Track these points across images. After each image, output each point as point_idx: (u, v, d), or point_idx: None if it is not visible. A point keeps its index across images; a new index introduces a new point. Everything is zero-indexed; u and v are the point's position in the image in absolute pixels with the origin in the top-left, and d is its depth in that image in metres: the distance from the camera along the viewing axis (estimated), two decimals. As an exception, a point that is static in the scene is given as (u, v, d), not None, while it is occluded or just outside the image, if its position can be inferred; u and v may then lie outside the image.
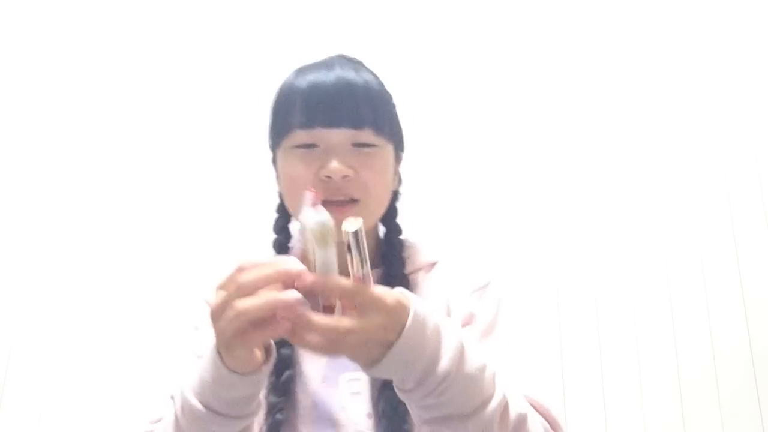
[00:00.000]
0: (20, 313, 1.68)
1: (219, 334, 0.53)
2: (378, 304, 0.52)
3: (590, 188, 1.79)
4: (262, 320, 0.51)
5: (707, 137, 1.80)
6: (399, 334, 0.53)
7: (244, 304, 0.50)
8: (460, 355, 0.56)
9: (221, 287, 0.53)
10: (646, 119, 1.83)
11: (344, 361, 0.75)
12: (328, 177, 0.74)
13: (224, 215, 1.75)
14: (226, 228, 1.73)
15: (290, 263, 0.52)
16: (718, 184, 1.76)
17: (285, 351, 0.77)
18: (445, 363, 0.55)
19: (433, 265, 0.87)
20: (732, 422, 1.58)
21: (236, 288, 0.51)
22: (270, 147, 0.84)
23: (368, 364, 0.54)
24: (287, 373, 0.77)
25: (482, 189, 1.79)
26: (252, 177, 1.77)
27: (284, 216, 0.87)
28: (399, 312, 0.53)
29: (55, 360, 1.65)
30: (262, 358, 0.58)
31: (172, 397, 0.65)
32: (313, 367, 0.79)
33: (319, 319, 0.50)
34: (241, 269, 0.52)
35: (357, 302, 0.52)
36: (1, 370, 1.63)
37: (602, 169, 1.81)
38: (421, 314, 0.54)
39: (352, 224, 0.53)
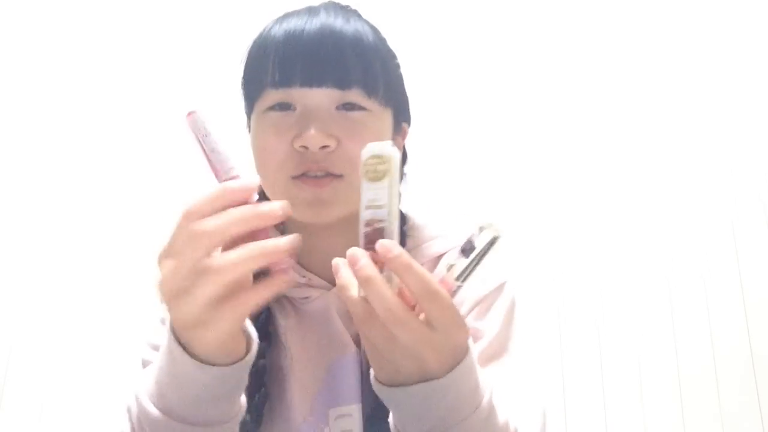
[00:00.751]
0: (20, 313, 1.68)
1: (185, 307, 0.41)
2: (456, 331, 0.43)
3: (591, 189, 1.79)
4: (244, 282, 0.41)
5: (707, 140, 1.80)
6: (446, 372, 0.44)
7: (227, 258, 0.39)
8: (488, 417, 0.48)
9: (171, 251, 0.41)
10: (648, 121, 1.83)
11: (335, 394, 0.64)
12: (304, 147, 0.60)
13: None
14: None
15: (264, 205, 0.42)
16: (719, 185, 1.76)
17: (261, 361, 0.64)
18: (472, 425, 0.46)
19: (440, 258, 0.70)
20: (732, 422, 1.58)
21: (202, 240, 0.39)
22: (245, 111, 0.71)
23: (389, 380, 0.46)
24: (263, 390, 0.64)
25: (483, 190, 1.79)
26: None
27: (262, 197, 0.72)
28: (461, 349, 0.45)
29: (55, 360, 1.65)
30: (242, 345, 0.47)
31: (129, 410, 0.53)
32: (298, 393, 0.65)
33: (400, 305, 0.41)
34: (191, 216, 0.41)
35: (439, 313, 0.42)
36: (1, 370, 1.63)
37: (604, 170, 1.81)
38: (471, 361, 0.47)
39: (494, 230, 0.44)
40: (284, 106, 0.63)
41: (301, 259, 0.70)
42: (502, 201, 1.78)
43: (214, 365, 0.44)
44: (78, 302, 1.69)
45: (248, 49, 0.67)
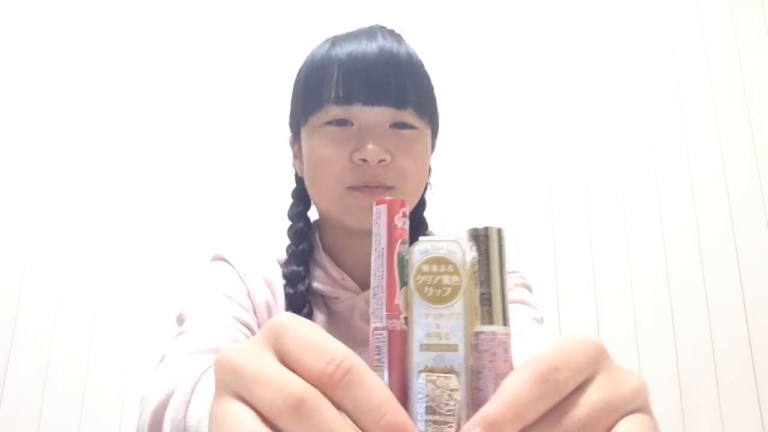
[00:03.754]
0: (20, 312, 1.68)
1: None
2: None
3: (590, 183, 1.79)
4: None
5: (707, 138, 1.80)
6: None
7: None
8: None
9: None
10: (647, 118, 1.83)
11: None
12: (363, 161, 0.66)
13: (224, 213, 1.75)
14: (225, 225, 1.73)
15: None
16: (718, 183, 1.76)
17: None
18: None
19: None
20: (732, 422, 1.58)
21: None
22: (290, 124, 0.76)
23: None
24: None
25: (484, 188, 1.80)
26: (244, 172, 1.77)
27: (302, 202, 0.78)
28: None
29: (55, 359, 1.65)
30: None
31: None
32: None
33: None
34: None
35: None
36: (1, 370, 1.63)
37: (602, 166, 1.81)
38: None
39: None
40: (342, 122, 0.68)
41: (338, 257, 0.75)
42: (501, 195, 1.78)
43: None
44: (78, 303, 1.69)
45: (306, 68, 0.72)
